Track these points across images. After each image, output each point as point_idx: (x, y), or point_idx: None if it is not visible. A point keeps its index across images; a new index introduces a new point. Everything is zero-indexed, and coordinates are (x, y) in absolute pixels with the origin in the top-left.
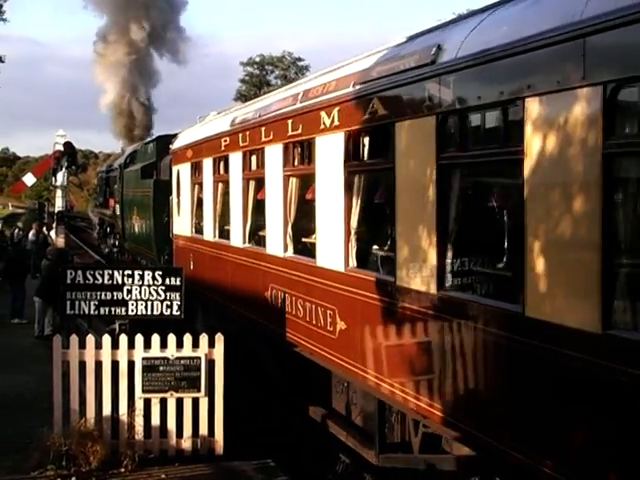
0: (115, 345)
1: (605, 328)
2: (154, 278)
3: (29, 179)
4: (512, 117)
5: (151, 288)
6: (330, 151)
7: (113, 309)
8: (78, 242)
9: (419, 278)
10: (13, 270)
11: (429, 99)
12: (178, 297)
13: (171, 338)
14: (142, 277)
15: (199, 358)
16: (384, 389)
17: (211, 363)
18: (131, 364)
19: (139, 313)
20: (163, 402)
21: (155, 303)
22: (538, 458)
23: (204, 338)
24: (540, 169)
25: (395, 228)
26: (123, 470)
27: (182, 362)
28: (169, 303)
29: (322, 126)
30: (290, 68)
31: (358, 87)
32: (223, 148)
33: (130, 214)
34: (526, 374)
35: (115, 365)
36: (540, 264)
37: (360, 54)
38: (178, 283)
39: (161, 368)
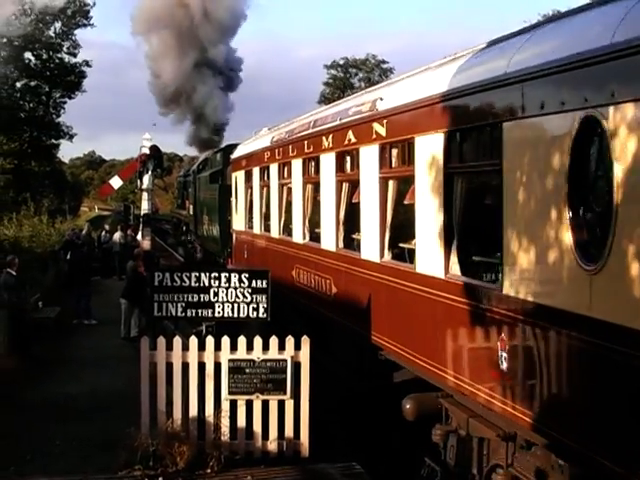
0: (201, 347)
1: (445, 274)
2: (240, 280)
3: (116, 182)
4: (408, 150)
5: (237, 290)
6: (327, 166)
7: (200, 311)
8: (163, 244)
9: (370, 251)
10: (77, 271)
11: (375, 133)
12: (264, 299)
13: (257, 340)
14: (228, 279)
15: (285, 361)
16: (362, 333)
17: (297, 365)
18: (217, 366)
19: (225, 315)
20: (249, 404)
21: (241, 305)
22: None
23: (290, 341)
24: (421, 182)
25: (360, 219)
26: (209, 471)
27: (268, 364)
28: (255, 305)
29: (323, 147)
30: (374, 71)
31: (341, 121)
32: (266, 160)
33: (201, 214)
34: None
35: (201, 367)
36: (422, 237)
37: (343, 99)
38: (264, 285)
39: (247, 370)
